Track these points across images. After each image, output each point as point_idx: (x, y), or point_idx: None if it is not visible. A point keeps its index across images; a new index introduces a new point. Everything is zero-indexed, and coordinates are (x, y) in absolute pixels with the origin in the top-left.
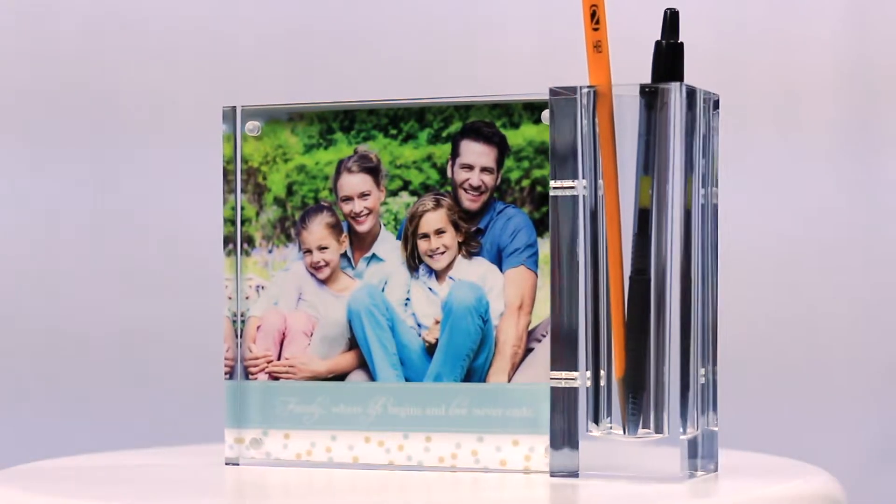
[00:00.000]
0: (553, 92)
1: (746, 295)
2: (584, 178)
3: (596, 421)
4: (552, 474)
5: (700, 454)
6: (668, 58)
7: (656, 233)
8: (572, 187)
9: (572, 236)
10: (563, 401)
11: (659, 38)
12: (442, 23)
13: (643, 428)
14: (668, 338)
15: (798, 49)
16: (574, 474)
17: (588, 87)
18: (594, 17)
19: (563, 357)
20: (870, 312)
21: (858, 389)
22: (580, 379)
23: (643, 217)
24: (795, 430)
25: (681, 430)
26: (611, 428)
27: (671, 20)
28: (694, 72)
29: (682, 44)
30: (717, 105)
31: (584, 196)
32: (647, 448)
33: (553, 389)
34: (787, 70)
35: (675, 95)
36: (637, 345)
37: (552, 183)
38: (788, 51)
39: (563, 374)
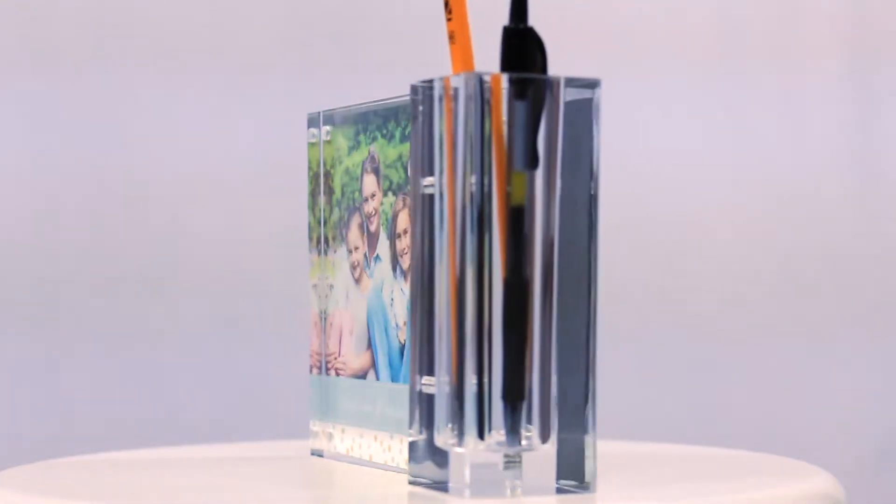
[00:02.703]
0: (413, 88)
1: (745, 293)
2: (435, 174)
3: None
4: (412, 482)
5: (545, 469)
6: (515, 44)
7: (478, 231)
8: (431, 185)
9: (428, 236)
10: (422, 407)
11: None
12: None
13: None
14: (471, 342)
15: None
16: (430, 484)
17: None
18: (447, 8)
19: (420, 361)
20: (872, 312)
21: (859, 389)
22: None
23: (480, 215)
24: (795, 430)
25: (485, 441)
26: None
27: (518, 4)
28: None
29: (529, 29)
30: (593, 87)
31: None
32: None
33: (414, 395)
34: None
35: (462, 86)
36: (460, 350)
37: (420, 181)
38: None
39: (425, 378)
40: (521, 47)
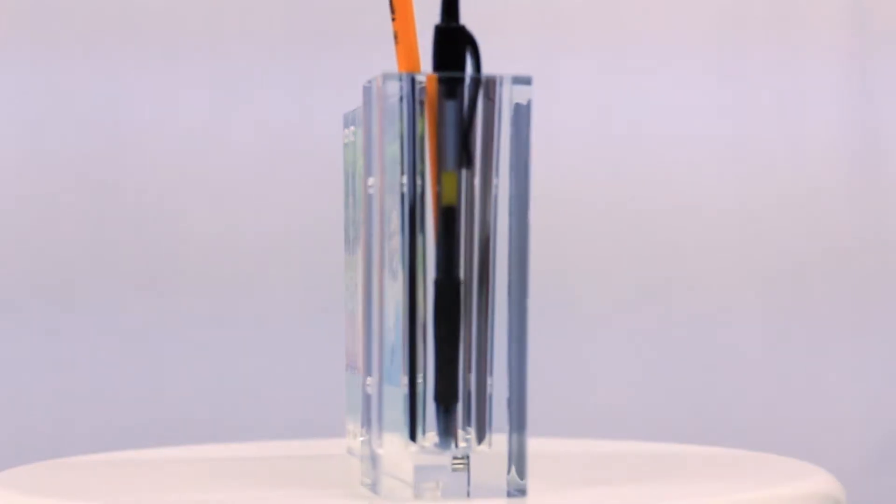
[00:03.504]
0: (364, 88)
1: (744, 290)
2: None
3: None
4: (361, 482)
5: (494, 471)
6: (445, 43)
7: (410, 232)
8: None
9: (368, 237)
10: (368, 408)
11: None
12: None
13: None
14: (399, 343)
15: None
16: (370, 485)
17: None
18: (391, 8)
19: (366, 362)
20: (874, 311)
21: (860, 388)
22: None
23: (412, 215)
24: (795, 430)
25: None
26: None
27: (448, 3)
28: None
29: (461, 27)
30: (525, 84)
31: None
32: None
33: (364, 395)
34: None
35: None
36: (381, 352)
37: (367, 181)
38: None
39: (368, 379)
40: (451, 46)
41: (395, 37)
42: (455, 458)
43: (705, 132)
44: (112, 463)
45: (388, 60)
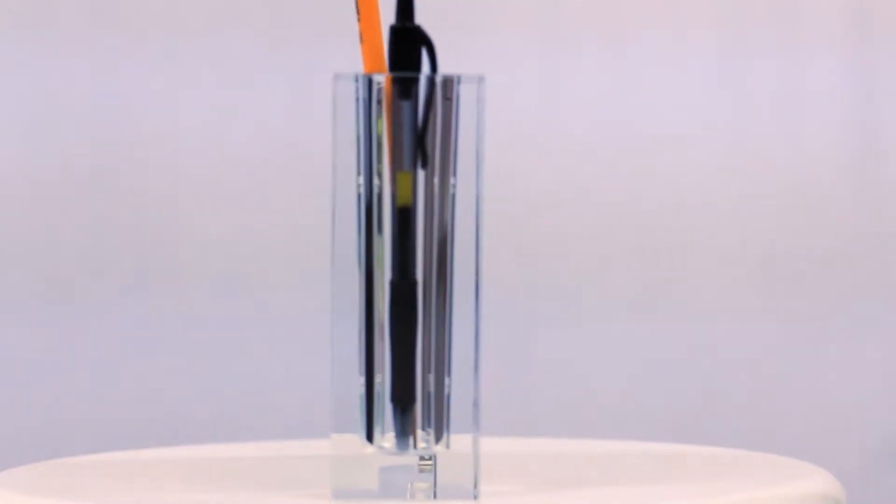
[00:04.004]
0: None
1: (743, 289)
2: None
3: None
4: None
5: (461, 472)
6: (402, 44)
7: (366, 232)
8: None
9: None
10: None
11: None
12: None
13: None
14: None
15: None
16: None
17: None
18: (357, 9)
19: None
20: (874, 310)
21: (860, 388)
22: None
23: (367, 216)
24: (795, 430)
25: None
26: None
27: (403, 3)
28: None
29: (416, 28)
30: (478, 83)
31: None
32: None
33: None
34: None
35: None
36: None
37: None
38: None
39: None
40: (407, 46)
41: (360, 37)
42: (422, 458)
43: (705, 132)
44: (112, 463)
45: None
